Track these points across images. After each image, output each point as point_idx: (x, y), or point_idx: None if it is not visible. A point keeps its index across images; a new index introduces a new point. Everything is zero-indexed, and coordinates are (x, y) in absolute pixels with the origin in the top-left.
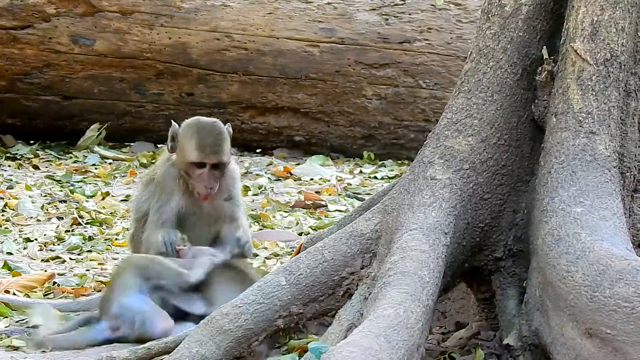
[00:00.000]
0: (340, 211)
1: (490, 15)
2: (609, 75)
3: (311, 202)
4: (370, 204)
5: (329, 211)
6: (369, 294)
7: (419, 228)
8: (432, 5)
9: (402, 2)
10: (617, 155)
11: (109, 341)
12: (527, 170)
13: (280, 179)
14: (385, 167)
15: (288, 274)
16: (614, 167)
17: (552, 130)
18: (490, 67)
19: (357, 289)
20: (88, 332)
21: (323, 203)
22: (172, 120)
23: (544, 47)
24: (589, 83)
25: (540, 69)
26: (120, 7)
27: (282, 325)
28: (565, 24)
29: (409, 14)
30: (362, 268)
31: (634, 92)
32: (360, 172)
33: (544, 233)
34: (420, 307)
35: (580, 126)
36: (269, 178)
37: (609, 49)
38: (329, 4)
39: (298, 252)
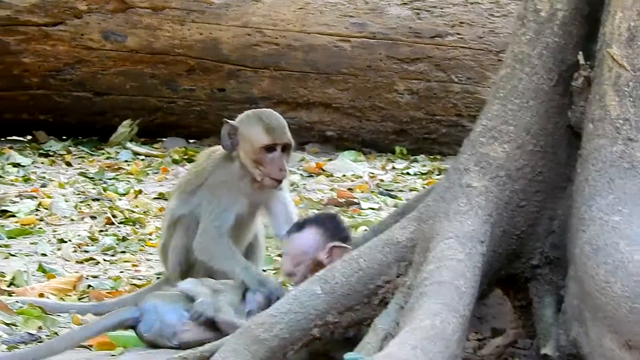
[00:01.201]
0: (373, 209)
1: (525, 21)
2: None
3: (344, 200)
4: (405, 209)
5: (361, 209)
6: (405, 303)
7: (455, 237)
8: None
9: None
10: None
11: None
12: (564, 176)
13: (312, 176)
14: (417, 162)
15: (323, 283)
16: None
17: (589, 137)
18: (526, 74)
19: (392, 298)
20: (118, 312)
21: (356, 201)
22: (226, 120)
23: (580, 52)
24: (626, 89)
25: (576, 75)
26: (151, 3)
27: (318, 335)
28: (601, 29)
29: (441, 8)
30: (397, 276)
31: None
32: (393, 167)
33: (581, 242)
34: (457, 317)
35: (618, 133)
36: (301, 174)
37: None
38: None
39: None
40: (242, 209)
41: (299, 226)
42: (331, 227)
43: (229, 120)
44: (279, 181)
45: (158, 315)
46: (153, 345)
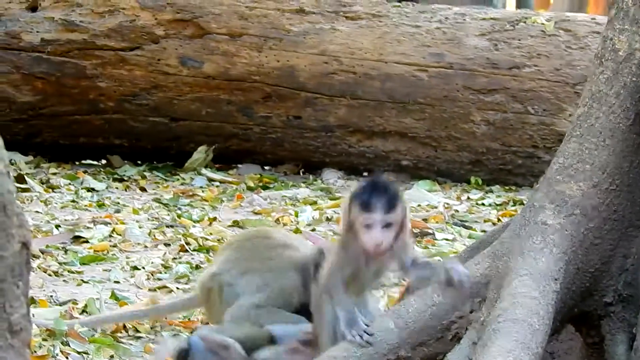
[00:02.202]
0: (447, 240)
1: (603, 60)
2: None
3: (418, 230)
4: (480, 244)
5: (435, 239)
6: (478, 339)
7: (529, 274)
8: (542, 31)
9: (512, 27)
10: None
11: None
12: (638, 215)
13: None
14: (492, 193)
15: (397, 318)
16: None
17: None
18: (603, 112)
19: (465, 334)
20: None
21: (430, 231)
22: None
23: None
24: None
25: None
26: (229, 29)
27: None
28: None
29: (519, 40)
30: (471, 312)
31: None
32: (468, 198)
33: None
34: (530, 355)
35: None
36: None
37: None
38: (438, 28)
39: (406, 290)
40: None
41: None
42: None
43: None
44: None
45: (207, 356)
46: None
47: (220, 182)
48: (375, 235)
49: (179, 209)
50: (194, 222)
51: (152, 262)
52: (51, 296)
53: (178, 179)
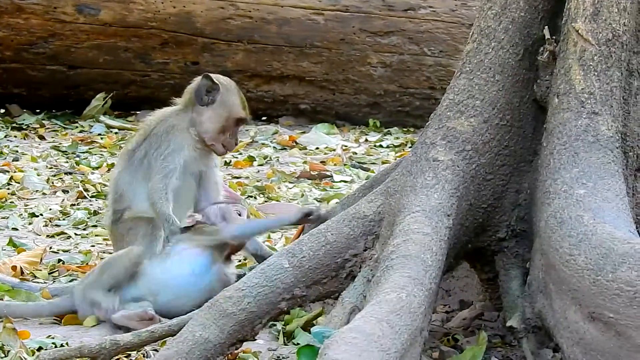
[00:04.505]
0: (345, 182)
1: None
2: (611, 56)
3: (316, 173)
4: (373, 183)
5: (334, 182)
6: (372, 276)
7: (422, 210)
8: None
9: None
10: (619, 135)
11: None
12: (530, 150)
13: (285, 148)
14: (390, 134)
15: (291, 257)
16: (617, 148)
17: (555, 111)
18: (492, 48)
19: (360, 271)
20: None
21: (328, 173)
22: (209, 75)
23: (546, 27)
24: (591, 63)
25: (542, 49)
26: None
27: (286, 308)
28: (566, 4)
29: None
30: (365, 250)
31: (636, 72)
32: (366, 140)
33: (546, 215)
34: (423, 290)
35: (583, 107)
36: (274, 147)
37: (611, 28)
38: None
39: (301, 231)
40: (188, 157)
41: None
42: None
43: (211, 75)
44: (227, 152)
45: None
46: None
47: (119, 129)
48: None
49: (78, 156)
50: (93, 168)
51: (50, 209)
52: None
53: (77, 127)
